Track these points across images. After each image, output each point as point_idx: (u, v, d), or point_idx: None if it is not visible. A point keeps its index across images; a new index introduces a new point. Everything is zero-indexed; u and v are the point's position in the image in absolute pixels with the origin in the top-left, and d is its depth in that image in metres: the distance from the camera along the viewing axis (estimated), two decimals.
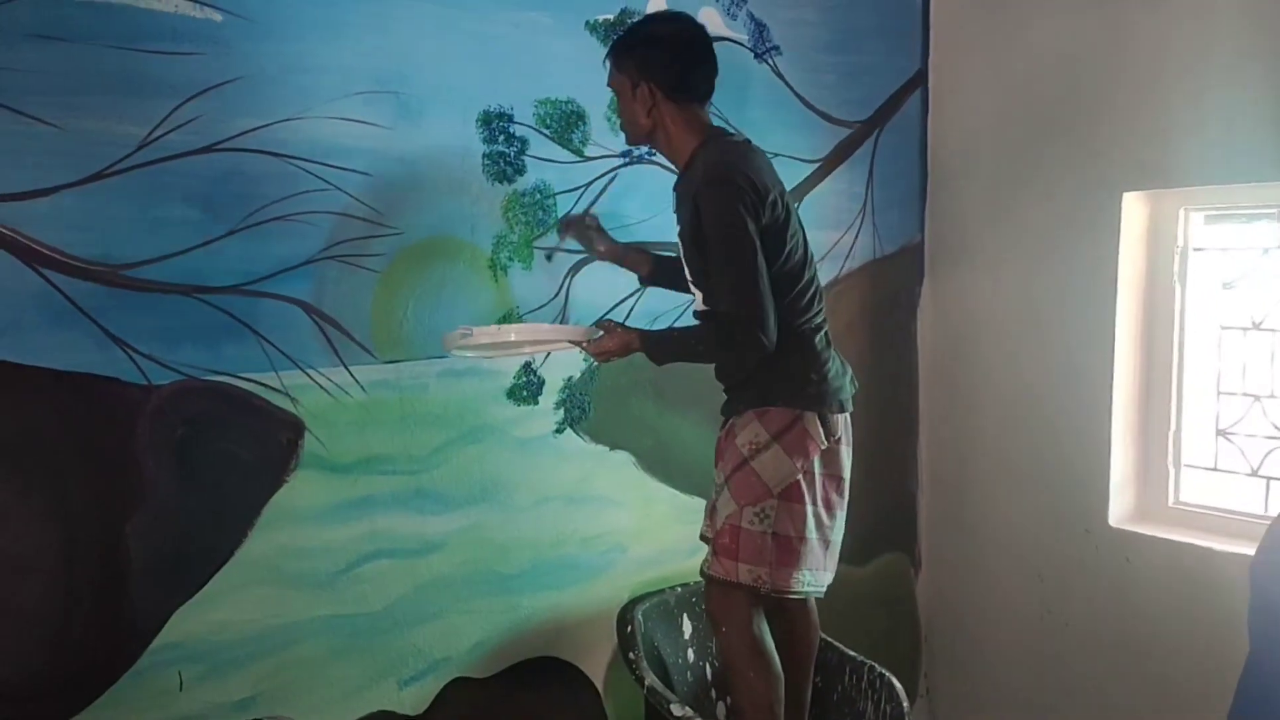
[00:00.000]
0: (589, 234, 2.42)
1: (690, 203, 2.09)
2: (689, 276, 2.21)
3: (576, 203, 2.51)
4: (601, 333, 2.20)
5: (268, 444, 2.13)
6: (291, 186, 2.10)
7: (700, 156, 2.11)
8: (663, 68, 2.11)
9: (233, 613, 2.10)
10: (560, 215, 2.47)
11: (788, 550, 2.12)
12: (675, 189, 2.21)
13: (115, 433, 1.96)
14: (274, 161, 2.07)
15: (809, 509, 2.13)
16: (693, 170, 2.12)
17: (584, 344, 2.19)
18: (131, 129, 1.93)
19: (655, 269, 2.43)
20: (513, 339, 2.19)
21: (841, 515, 2.25)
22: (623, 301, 2.57)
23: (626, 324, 2.27)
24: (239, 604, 2.10)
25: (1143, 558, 2.72)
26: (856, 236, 3.07)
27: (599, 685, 2.64)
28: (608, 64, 2.20)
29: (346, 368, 2.21)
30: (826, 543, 2.20)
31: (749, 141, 2.20)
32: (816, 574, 2.18)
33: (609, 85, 2.22)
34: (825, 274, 2.73)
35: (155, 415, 2.00)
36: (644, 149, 2.57)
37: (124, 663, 1.99)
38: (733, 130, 2.22)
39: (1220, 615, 2.55)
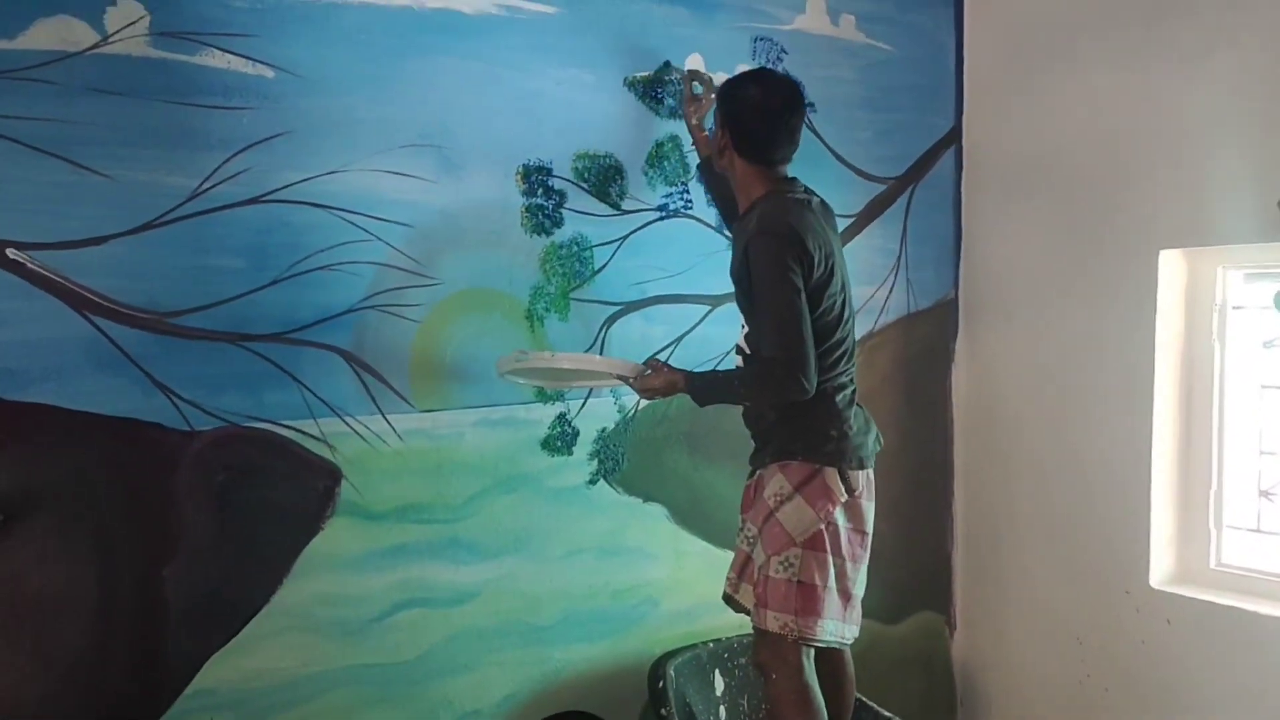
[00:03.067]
0: (697, 93, 2.50)
1: (742, 247, 2.19)
2: (740, 311, 2.31)
3: (612, 256, 2.54)
4: (649, 370, 2.24)
5: (305, 491, 2.15)
6: (335, 237, 2.14)
7: (759, 206, 2.20)
8: (738, 127, 2.23)
9: (266, 660, 2.10)
10: (592, 268, 2.51)
11: (812, 598, 2.15)
12: (733, 230, 2.35)
13: (156, 477, 1.99)
14: (318, 213, 2.12)
15: (830, 559, 2.18)
16: (749, 218, 2.21)
17: (631, 380, 2.23)
18: (182, 180, 1.99)
19: (710, 161, 2.48)
20: (565, 366, 2.23)
21: (864, 568, 2.28)
22: (657, 353, 2.58)
23: (671, 365, 2.30)
24: (273, 651, 2.11)
25: (1184, 620, 2.66)
26: (890, 292, 3.07)
27: None
28: None
29: (384, 416, 2.23)
30: (848, 595, 2.23)
31: (810, 201, 2.24)
32: (839, 625, 2.21)
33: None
34: (860, 328, 2.73)
35: (196, 461, 2.02)
36: (679, 204, 2.61)
37: (157, 709, 2.00)
38: (802, 187, 2.26)
39: (1263, 680, 2.49)
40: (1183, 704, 2.67)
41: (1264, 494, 2.67)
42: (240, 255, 2.05)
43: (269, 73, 2.05)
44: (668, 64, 2.57)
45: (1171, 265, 2.71)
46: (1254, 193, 2.49)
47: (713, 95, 2.45)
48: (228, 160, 2.02)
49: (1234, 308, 2.70)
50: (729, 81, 2.31)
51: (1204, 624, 2.62)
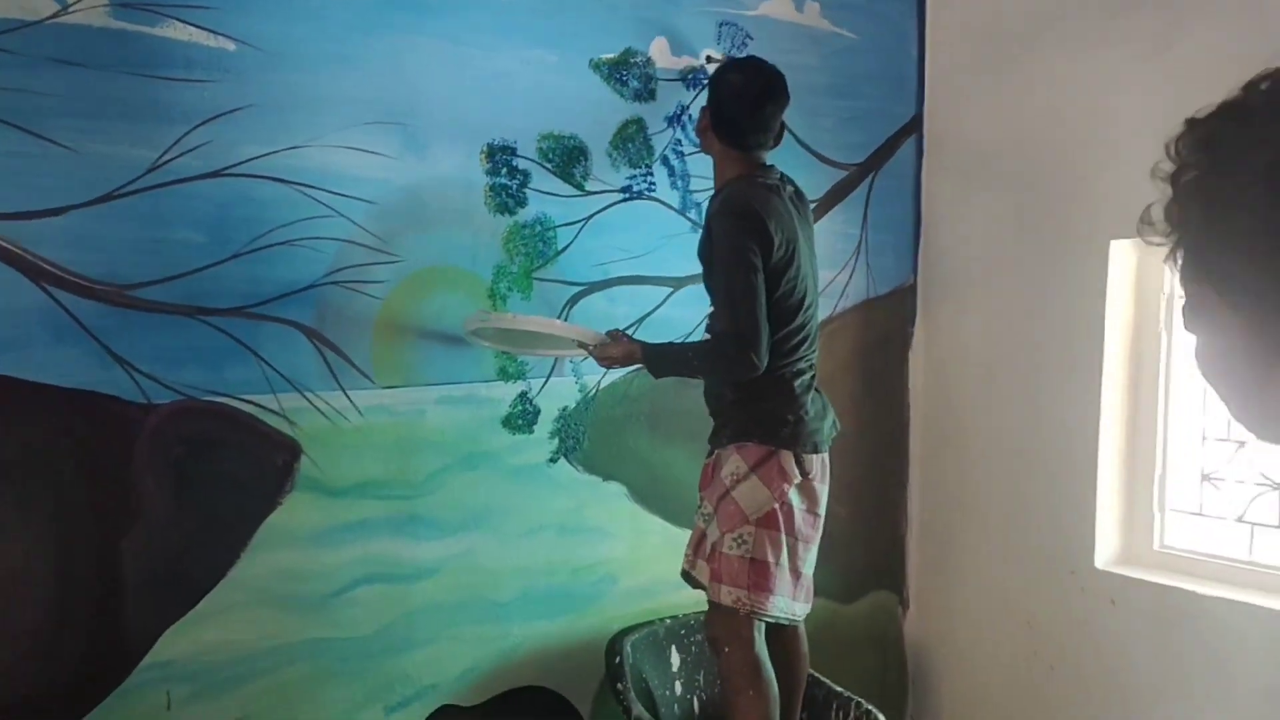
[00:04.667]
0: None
1: (705, 226, 2.25)
2: (706, 290, 2.34)
3: (576, 237, 2.55)
4: (608, 339, 2.30)
5: (264, 465, 2.16)
6: (297, 212, 2.14)
7: (728, 189, 2.24)
8: (717, 110, 2.28)
9: (223, 633, 2.11)
10: (555, 248, 2.53)
11: (764, 574, 2.21)
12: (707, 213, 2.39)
13: (114, 450, 1.99)
14: (280, 188, 2.12)
15: (783, 537, 2.23)
16: (717, 198, 2.27)
17: (591, 347, 2.28)
18: (142, 152, 1.98)
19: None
20: (527, 328, 2.27)
21: (815, 548, 2.34)
22: (615, 329, 2.59)
23: (632, 335, 2.33)
24: (230, 624, 2.12)
25: (1128, 600, 2.74)
26: (850, 276, 3.11)
27: (586, 716, 2.64)
28: None
29: (345, 392, 2.24)
30: (798, 573, 2.29)
31: (782, 188, 2.28)
32: (790, 602, 2.27)
33: None
34: (820, 313, 2.76)
35: (154, 434, 2.02)
36: (643, 185, 2.64)
37: (113, 680, 2.01)
38: (778, 174, 2.30)
39: (1204, 657, 2.57)
40: (1125, 680, 2.75)
41: (1206, 478, 2.75)
42: (201, 229, 2.04)
43: (230, 45, 2.04)
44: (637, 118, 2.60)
45: (1122, 255, 2.77)
46: None
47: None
48: (188, 133, 2.01)
49: (1180, 297, 2.77)
50: (721, 65, 2.38)
51: (1146, 603, 2.70)
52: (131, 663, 2.03)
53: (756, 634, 2.23)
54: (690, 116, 2.66)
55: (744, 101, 2.25)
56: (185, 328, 2.04)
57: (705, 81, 2.39)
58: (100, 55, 1.92)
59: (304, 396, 2.19)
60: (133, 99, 1.96)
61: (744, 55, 2.48)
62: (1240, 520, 2.68)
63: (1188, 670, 2.61)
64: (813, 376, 2.33)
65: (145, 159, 1.98)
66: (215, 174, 2.05)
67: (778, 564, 2.21)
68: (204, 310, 2.06)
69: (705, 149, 2.38)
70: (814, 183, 2.96)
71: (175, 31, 1.99)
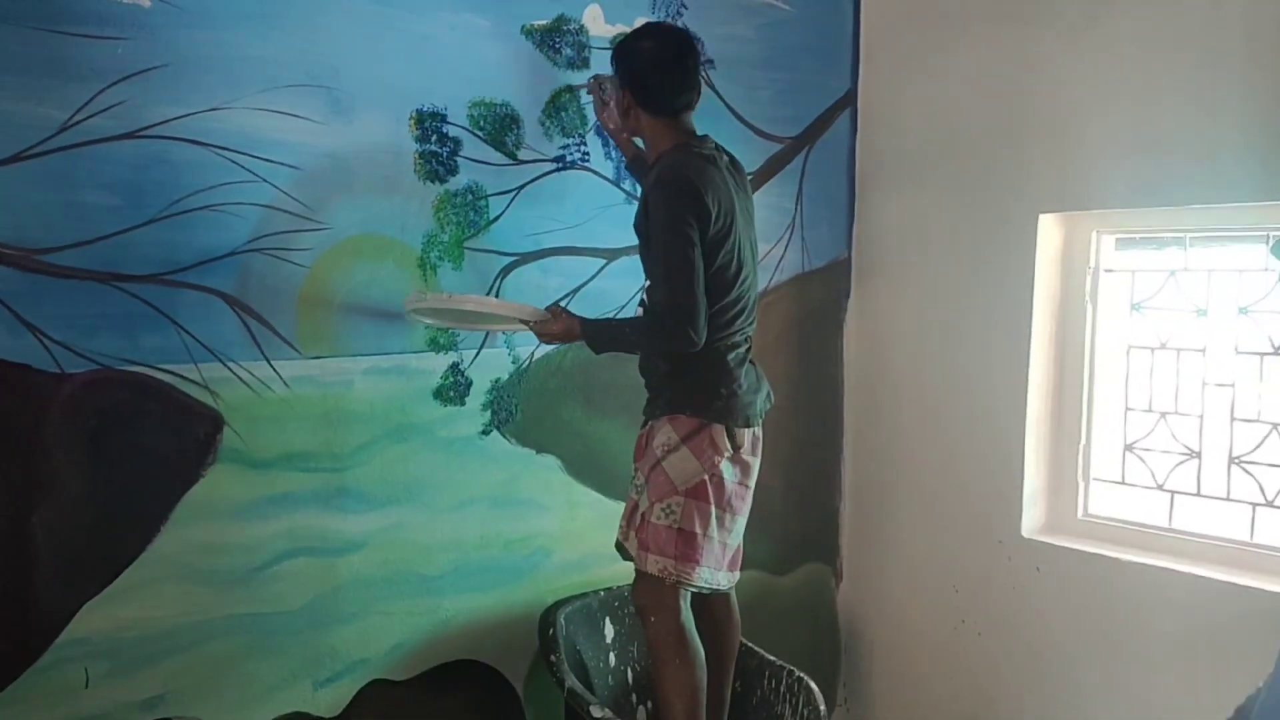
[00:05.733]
0: (605, 99, 2.46)
1: (642, 198, 2.22)
2: (642, 264, 2.32)
3: (508, 206, 2.52)
4: (548, 315, 2.27)
5: (184, 437, 2.10)
6: (216, 177, 2.08)
7: (663, 160, 2.21)
8: (637, 83, 2.24)
9: (142, 609, 2.06)
10: (487, 217, 2.49)
11: (691, 545, 2.21)
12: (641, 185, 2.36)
13: (24, 421, 1.92)
14: (199, 150, 2.05)
15: (712, 509, 2.23)
16: (652, 170, 2.24)
17: (531, 324, 2.26)
18: (52, 112, 1.90)
19: (637, 159, 2.52)
20: (466, 308, 2.23)
21: (743, 521, 2.34)
22: (554, 303, 2.57)
23: (570, 312, 2.31)
24: (149, 600, 2.06)
25: (1052, 567, 2.80)
26: (785, 250, 3.12)
27: (519, 689, 2.63)
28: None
29: (269, 362, 2.18)
30: (725, 545, 2.29)
31: (718, 158, 2.26)
32: (715, 572, 2.28)
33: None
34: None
35: (67, 405, 1.96)
36: (576, 156, 2.61)
37: (27, 658, 1.94)
38: (712, 143, 2.28)
39: (1126, 621, 2.64)
40: (1050, 645, 2.81)
41: (1129, 448, 2.82)
42: (115, 192, 1.97)
43: (145, 2, 1.96)
44: (569, 86, 2.57)
45: (1049, 229, 2.82)
46: (1127, 160, 2.60)
47: (618, 92, 2.42)
48: (101, 92, 1.94)
49: (1106, 271, 2.83)
50: (620, 43, 2.32)
51: (1071, 570, 2.77)
52: (47, 640, 1.96)
53: (682, 603, 2.24)
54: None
55: (664, 64, 2.23)
56: (100, 294, 1.97)
57: (612, 61, 2.32)
58: (7, 9, 1.84)
59: (226, 366, 2.13)
60: (41, 55, 1.87)
61: (644, 24, 2.44)
62: (1161, 489, 2.75)
63: (1110, 633, 2.68)
64: (748, 350, 2.33)
65: (56, 118, 1.90)
66: (130, 135, 1.97)
67: (705, 535, 2.22)
68: (120, 276, 1.99)
69: (632, 129, 2.33)
70: (749, 155, 2.96)
71: None
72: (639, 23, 2.61)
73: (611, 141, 2.61)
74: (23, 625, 1.93)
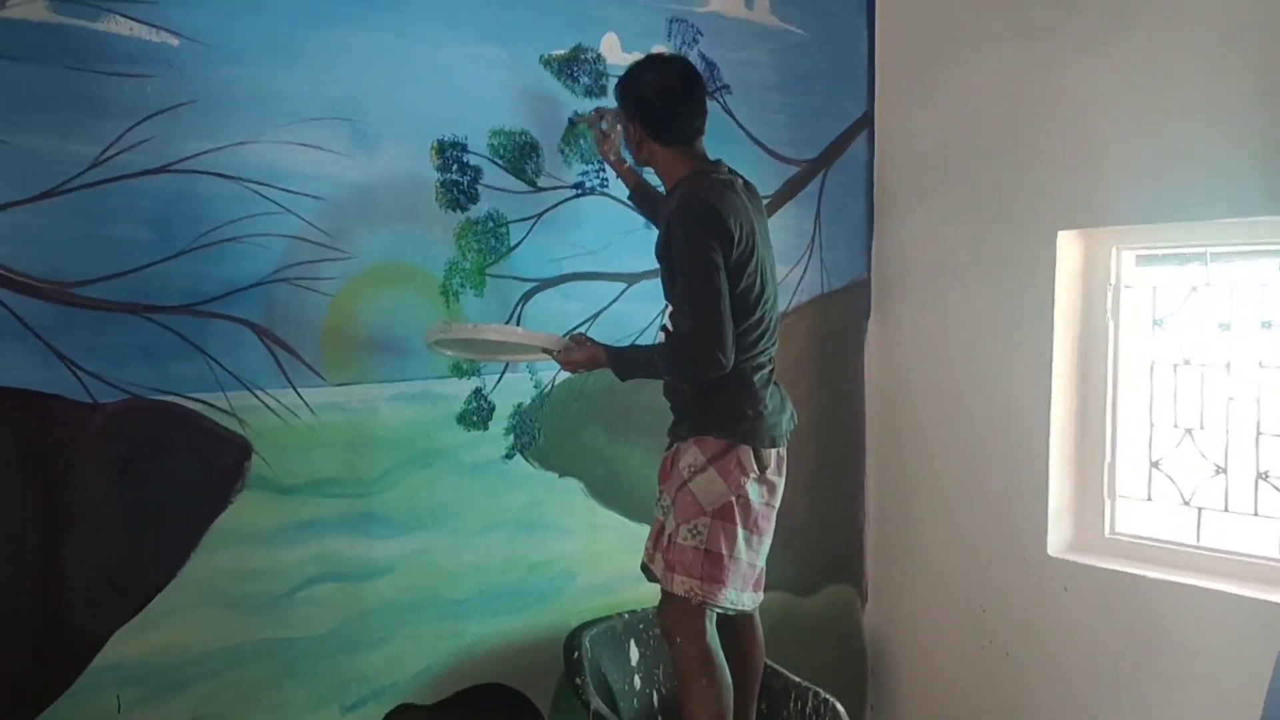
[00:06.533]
0: (606, 130, 2.51)
1: (664, 226, 2.23)
2: (663, 291, 2.34)
3: (529, 233, 2.55)
4: (572, 344, 2.28)
5: (213, 465, 2.13)
6: (243, 209, 2.12)
7: (682, 186, 2.23)
8: (646, 114, 2.27)
9: (174, 635, 2.09)
10: (507, 244, 2.52)
11: (717, 566, 2.21)
12: (661, 213, 2.36)
13: (58, 451, 1.95)
14: (226, 184, 2.10)
15: (739, 530, 2.24)
16: (672, 199, 2.25)
17: (554, 353, 2.27)
18: (83, 148, 1.95)
19: (639, 188, 2.56)
20: (489, 338, 2.24)
21: (768, 542, 2.35)
22: (574, 329, 2.60)
23: (593, 340, 2.33)
24: (180, 626, 2.09)
25: (1079, 586, 2.78)
26: (804, 272, 3.14)
27: (545, 712, 2.63)
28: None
29: (296, 389, 2.22)
30: (753, 566, 2.30)
31: (734, 182, 2.28)
32: (740, 593, 2.28)
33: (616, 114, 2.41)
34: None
35: (99, 434, 1.99)
36: (595, 182, 2.64)
37: (61, 684, 1.97)
38: (726, 168, 2.31)
39: (1154, 640, 2.62)
40: (1079, 664, 2.79)
41: (1155, 465, 2.80)
42: (145, 225, 2.02)
43: (173, 40, 2.02)
44: (571, 120, 2.60)
45: (1069, 246, 2.82)
46: (1146, 175, 2.60)
47: (619, 126, 2.48)
48: (131, 129, 1.99)
49: (1126, 287, 2.82)
50: (623, 79, 2.34)
51: (1098, 589, 2.75)
52: (80, 666, 2.00)
53: (708, 624, 2.24)
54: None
55: (671, 93, 2.26)
56: (131, 326, 2.02)
57: (617, 97, 2.35)
58: (40, 50, 1.89)
59: (254, 394, 2.17)
60: (73, 94, 1.93)
61: (645, 57, 2.44)
62: (1187, 505, 2.73)
63: (1139, 653, 2.66)
64: (771, 370, 2.34)
65: (87, 155, 1.95)
66: (160, 170, 2.02)
67: (732, 556, 2.22)
68: (150, 308, 2.04)
69: (645, 161, 2.35)
70: (767, 179, 2.99)
71: (117, 26, 1.97)
72: (656, 49, 2.65)
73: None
74: (56, 651, 1.97)
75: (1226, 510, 2.65)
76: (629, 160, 2.50)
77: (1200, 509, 2.71)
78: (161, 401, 2.06)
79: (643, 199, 2.55)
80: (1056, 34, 2.76)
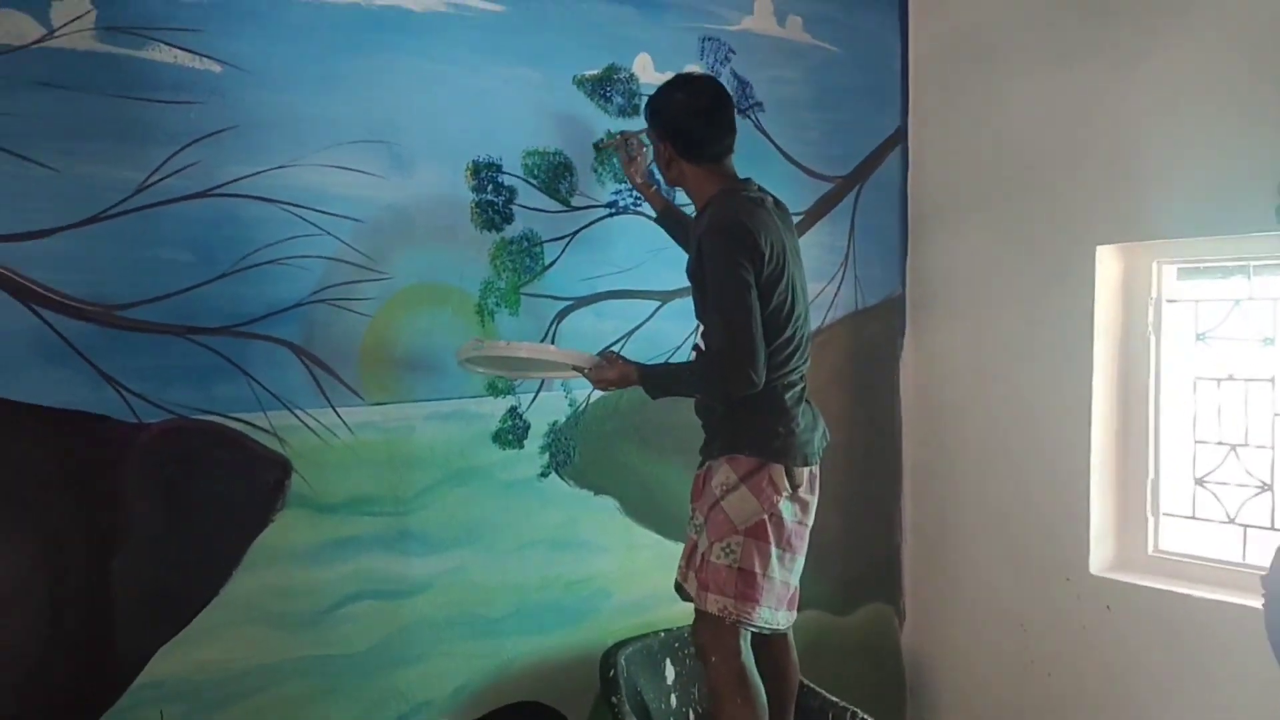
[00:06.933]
0: (632, 153, 2.52)
1: (695, 245, 2.24)
2: (695, 310, 2.35)
3: (563, 252, 2.57)
4: (603, 362, 2.29)
5: (255, 483, 2.16)
6: (283, 231, 2.16)
7: (712, 205, 2.24)
8: (676, 133, 2.28)
9: (216, 652, 2.11)
10: (542, 263, 2.54)
11: (750, 584, 2.20)
12: (690, 234, 2.37)
13: (104, 470, 1.99)
14: (267, 207, 2.14)
15: (772, 549, 2.23)
16: (702, 218, 2.26)
17: (586, 370, 2.28)
18: (129, 174, 2.00)
19: (667, 211, 2.57)
20: (521, 355, 2.25)
21: (801, 560, 2.34)
22: (609, 347, 2.60)
23: (625, 358, 2.34)
24: (222, 643, 2.12)
25: (1123, 605, 2.74)
26: (839, 289, 3.13)
27: None
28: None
29: (334, 409, 2.25)
30: (786, 585, 2.29)
31: (764, 200, 2.29)
32: (775, 612, 2.27)
33: (645, 134, 2.42)
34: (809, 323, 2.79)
35: (144, 453, 2.03)
36: (629, 201, 2.66)
37: (105, 701, 2.00)
38: (756, 186, 2.32)
39: (1200, 660, 2.57)
40: (1122, 685, 2.74)
41: (1199, 482, 2.76)
42: (188, 249, 2.06)
43: (216, 68, 2.06)
44: (597, 145, 2.61)
45: (1108, 261, 2.79)
46: (1185, 188, 2.57)
47: (645, 148, 2.51)
48: (175, 154, 2.03)
49: (1169, 301, 2.79)
50: (652, 99, 2.35)
51: (1142, 608, 2.70)
52: (124, 683, 2.03)
53: (742, 643, 2.23)
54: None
55: (701, 112, 2.27)
56: (174, 347, 2.06)
57: (646, 117, 2.37)
58: (87, 78, 1.94)
59: (293, 414, 2.20)
60: (119, 121, 1.98)
61: (674, 77, 2.44)
62: (1232, 522, 2.68)
63: (1184, 673, 2.61)
64: (804, 388, 2.33)
65: (132, 180, 2.00)
66: (202, 194, 2.07)
67: (765, 574, 2.21)
68: (193, 329, 2.08)
69: (675, 181, 2.36)
70: (800, 195, 2.99)
71: (161, 54, 2.01)
72: (689, 68, 2.67)
73: (662, 185, 2.65)
74: (101, 668, 2.00)
75: (1273, 528, 2.60)
76: (657, 183, 2.51)
77: (1246, 526, 2.66)
78: (205, 421, 2.09)
79: (671, 223, 2.56)
80: (1092, 50, 2.74)
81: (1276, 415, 2.59)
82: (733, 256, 2.13)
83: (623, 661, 2.50)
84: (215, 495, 2.11)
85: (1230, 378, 2.69)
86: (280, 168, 2.15)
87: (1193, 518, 2.77)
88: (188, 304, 2.06)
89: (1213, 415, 2.73)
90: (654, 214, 2.60)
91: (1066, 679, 2.88)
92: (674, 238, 2.58)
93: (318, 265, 2.21)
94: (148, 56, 2.00)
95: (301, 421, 2.21)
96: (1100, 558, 2.83)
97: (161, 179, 2.02)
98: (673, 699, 2.61)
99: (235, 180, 2.10)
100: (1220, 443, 2.72)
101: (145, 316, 2.02)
